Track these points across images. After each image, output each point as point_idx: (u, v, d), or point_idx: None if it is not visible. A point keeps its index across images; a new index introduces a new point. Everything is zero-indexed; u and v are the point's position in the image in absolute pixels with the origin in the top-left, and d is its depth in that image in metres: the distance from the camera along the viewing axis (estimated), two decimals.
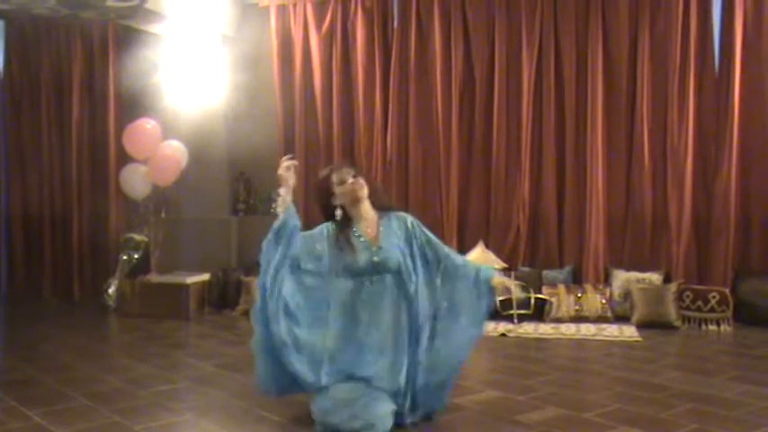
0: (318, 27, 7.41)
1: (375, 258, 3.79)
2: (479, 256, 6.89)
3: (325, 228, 3.92)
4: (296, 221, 3.83)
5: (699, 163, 6.53)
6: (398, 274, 3.80)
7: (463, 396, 4.27)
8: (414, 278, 3.80)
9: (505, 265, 6.81)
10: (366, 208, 3.91)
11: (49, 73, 8.05)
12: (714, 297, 6.18)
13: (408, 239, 3.89)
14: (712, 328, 6.14)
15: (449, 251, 3.96)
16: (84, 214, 8.04)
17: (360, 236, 3.85)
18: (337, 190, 3.86)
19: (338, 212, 3.87)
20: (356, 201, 3.87)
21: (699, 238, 6.57)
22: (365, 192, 3.88)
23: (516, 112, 6.91)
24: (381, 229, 3.88)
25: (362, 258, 3.79)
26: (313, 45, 7.39)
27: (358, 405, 3.58)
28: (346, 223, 3.88)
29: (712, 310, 6.17)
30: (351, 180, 3.85)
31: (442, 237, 6.97)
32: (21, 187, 8.16)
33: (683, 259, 6.51)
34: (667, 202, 6.58)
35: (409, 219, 3.96)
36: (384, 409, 3.58)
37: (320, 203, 3.97)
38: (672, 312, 6.18)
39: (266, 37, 7.61)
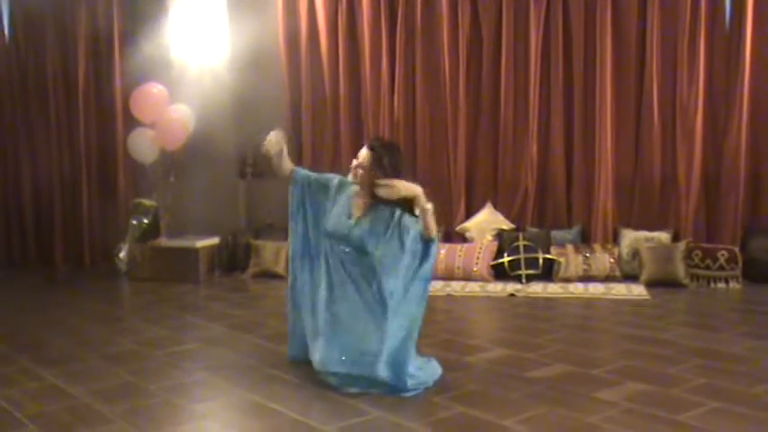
0: None
1: (345, 231, 3.85)
2: (487, 217, 6.90)
3: (341, 180, 4.06)
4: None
5: (708, 121, 6.48)
6: (364, 252, 3.80)
7: (472, 354, 4.31)
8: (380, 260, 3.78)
9: (513, 226, 6.83)
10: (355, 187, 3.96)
11: (53, 37, 8.02)
12: (723, 255, 6.18)
13: (390, 225, 3.79)
14: (721, 286, 6.14)
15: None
16: (93, 180, 8.06)
17: (348, 200, 3.95)
18: (354, 162, 3.94)
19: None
20: (359, 183, 3.92)
21: (708, 197, 6.54)
22: (351, 178, 3.94)
23: (524, 71, 6.85)
24: (371, 212, 3.85)
25: (338, 224, 3.90)
26: (318, 6, 7.31)
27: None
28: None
29: (721, 268, 6.17)
30: (354, 163, 3.91)
31: (449, 198, 7.03)
32: (29, 155, 8.17)
33: (692, 218, 6.49)
34: (676, 160, 6.54)
35: (409, 220, 3.76)
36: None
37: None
38: (680, 271, 6.18)
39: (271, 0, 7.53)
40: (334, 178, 4.13)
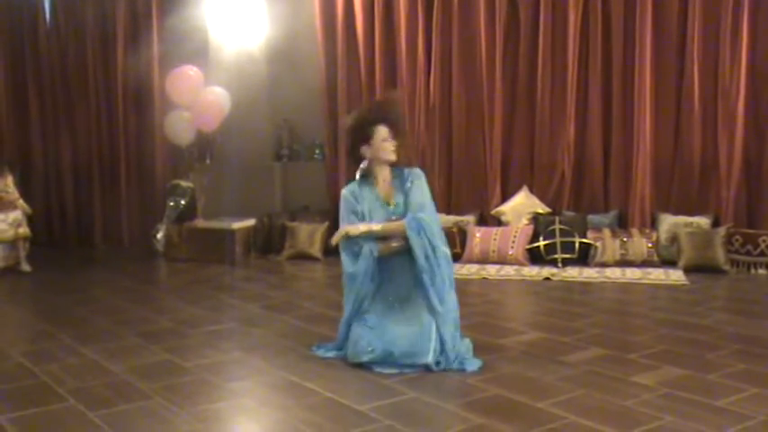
0: None
1: (393, 217, 3.87)
2: (523, 200, 6.85)
3: (351, 191, 3.98)
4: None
5: (751, 104, 6.31)
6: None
7: (507, 337, 4.30)
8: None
9: (549, 210, 6.76)
10: (388, 168, 3.96)
11: (93, 20, 8.12)
12: (764, 241, 6.06)
13: (406, 191, 3.93)
14: (762, 272, 6.04)
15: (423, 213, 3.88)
16: (132, 162, 8.18)
17: (377, 195, 3.93)
18: (373, 143, 3.90)
19: (363, 165, 3.96)
20: (384, 162, 3.93)
21: (749, 182, 6.39)
22: (394, 157, 3.92)
23: (562, 53, 6.76)
24: (393, 186, 3.95)
25: (379, 216, 3.88)
26: None
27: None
28: (366, 180, 3.97)
29: (762, 254, 6.06)
30: (388, 141, 3.89)
31: (485, 181, 7.00)
32: (70, 138, 8.31)
33: (733, 203, 6.36)
34: (717, 144, 6.40)
35: (413, 172, 3.97)
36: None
37: (351, 143, 4.00)
38: (720, 256, 6.08)
39: None
40: (349, 198, 3.98)
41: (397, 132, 3.93)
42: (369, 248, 3.84)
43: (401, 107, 4.11)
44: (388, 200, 3.93)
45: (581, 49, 6.70)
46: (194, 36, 7.52)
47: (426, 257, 3.77)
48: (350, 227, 3.88)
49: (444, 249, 3.85)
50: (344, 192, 4.02)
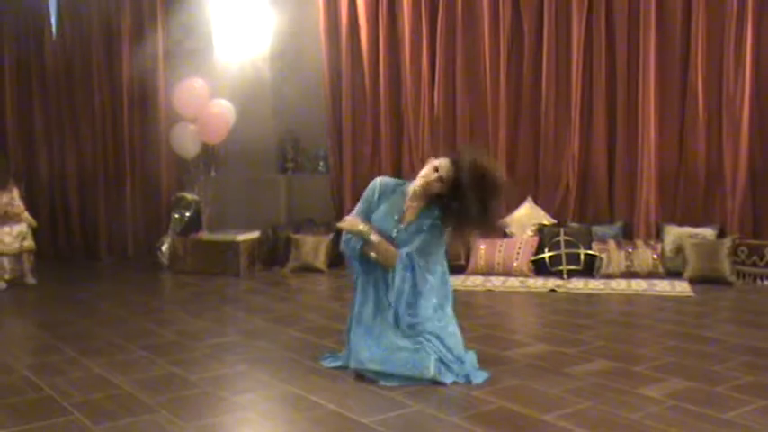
0: None
1: (394, 232, 3.83)
2: (528, 212, 6.84)
3: (384, 183, 3.98)
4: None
5: (755, 114, 6.29)
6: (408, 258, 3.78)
7: (512, 349, 4.28)
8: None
9: (554, 221, 6.75)
10: (425, 192, 3.83)
11: (99, 33, 8.16)
12: None
13: (426, 227, 3.82)
14: None
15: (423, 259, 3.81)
16: (137, 174, 8.20)
17: (398, 204, 3.88)
18: (423, 172, 3.80)
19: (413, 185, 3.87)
20: (425, 191, 3.81)
21: (755, 192, 6.36)
22: (434, 191, 3.79)
23: (566, 63, 6.76)
24: (420, 215, 3.84)
25: (385, 225, 3.84)
26: (359, 0, 7.31)
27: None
28: (405, 188, 3.91)
29: None
30: (434, 176, 3.75)
31: None
32: (75, 149, 8.33)
33: (739, 214, 6.33)
34: (722, 154, 6.38)
35: (440, 223, 3.83)
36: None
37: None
38: (726, 267, 6.05)
39: None
40: (374, 188, 3.97)
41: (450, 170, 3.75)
42: (354, 243, 3.85)
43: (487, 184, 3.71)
44: (403, 218, 3.86)
45: (585, 60, 6.71)
46: (199, 49, 7.55)
47: (400, 293, 3.74)
48: (351, 219, 3.87)
49: (432, 275, 3.81)
50: (378, 179, 4.00)
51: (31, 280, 6.71)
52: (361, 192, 4.13)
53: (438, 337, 3.72)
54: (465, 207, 3.67)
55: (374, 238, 3.79)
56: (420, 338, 3.71)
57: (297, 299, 6.09)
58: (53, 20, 8.32)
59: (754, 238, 6.24)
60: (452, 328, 3.82)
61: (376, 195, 3.95)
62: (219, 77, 7.52)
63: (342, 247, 3.97)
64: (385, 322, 3.77)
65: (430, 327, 3.74)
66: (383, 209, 3.90)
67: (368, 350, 3.73)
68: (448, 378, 3.66)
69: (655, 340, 4.50)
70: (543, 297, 5.83)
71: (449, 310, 3.87)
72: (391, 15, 7.27)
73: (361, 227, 3.82)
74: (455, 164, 3.75)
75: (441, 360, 3.67)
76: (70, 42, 8.29)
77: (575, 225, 6.70)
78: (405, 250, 3.77)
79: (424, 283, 3.77)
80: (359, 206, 3.98)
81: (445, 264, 3.92)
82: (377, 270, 3.83)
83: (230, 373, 3.96)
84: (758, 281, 6.05)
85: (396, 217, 3.87)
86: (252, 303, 5.89)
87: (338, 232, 4.05)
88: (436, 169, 3.77)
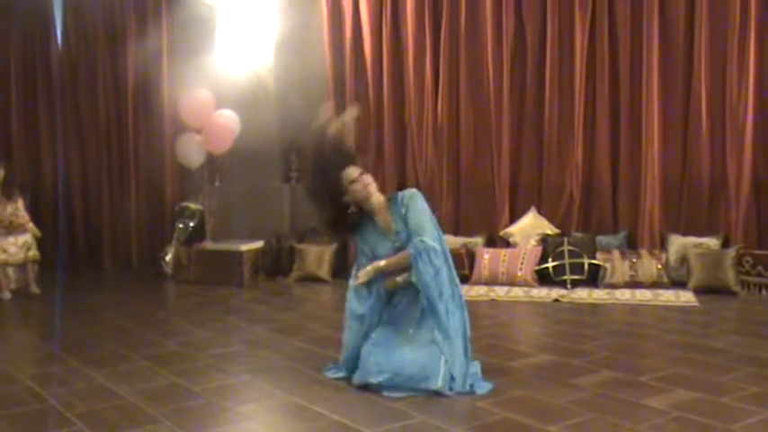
0: None
1: (397, 244, 3.84)
2: (531, 222, 6.83)
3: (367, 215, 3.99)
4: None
5: (759, 122, 6.29)
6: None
7: (516, 360, 4.27)
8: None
9: (558, 231, 6.74)
10: (376, 198, 3.91)
11: (104, 42, 8.19)
12: None
13: (403, 216, 3.87)
14: None
15: (423, 235, 3.79)
16: (141, 184, 8.21)
17: (378, 227, 3.91)
18: (350, 188, 3.84)
19: (353, 209, 3.89)
20: (368, 197, 3.88)
21: (759, 202, 6.35)
22: (374, 186, 3.88)
23: (569, 75, 6.77)
24: (391, 213, 3.90)
25: (384, 248, 3.86)
26: (363, 11, 7.34)
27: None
28: (366, 216, 3.93)
29: None
30: (357, 181, 3.83)
31: (493, 202, 6.98)
32: (80, 159, 8.36)
33: (743, 223, 6.32)
34: (726, 164, 6.38)
35: (406, 195, 3.89)
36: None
37: (329, 210, 3.91)
38: (731, 277, 6.04)
39: (316, 4, 7.58)
40: (357, 243, 4.08)
41: (359, 161, 3.88)
42: (375, 289, 3.87)
43: (331, 130, 3.92)
44: (389, 230, 3.89)
45: (588, 70, 6.71)
46: (205, 60, 7.57)
47: (436, 274, 3.72)
48: (362, 274, 3.89)
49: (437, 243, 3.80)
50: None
51: (35, 289, 6.72)
52: None
53: (450, 349, 3.70)
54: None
55: (381, 264, 3.84)
56: (430, 348, 3.69)
57: (300, 309, 6.08)
58: (58, 29, 8.36)
59: (759, 248, 6.22)
60: (463, 335, 3.81)
61: (362, 242, 3.98)
62: (224, 87, 7.54)
63: (363, 310, 3.90)
64: (396, 337, 3.77)
65: (449, 335, 3.73)
66: (373, 239, 3.93)
67: (377, 365, 3.72)
68: (454, 388, 3.64)
69: (659, 351, 4.49)
70: (547, 307, 5.81)
71: (463, 314, 3.84)
72: (395, 26, 7.29)
73: (369, 268, 3.86)
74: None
75: (448, 373, 3.65)
76: (75, 51, 8.33)
77: (578, 235, 6.70)
78: (410, 244, 3.78)
79: (437, 256, 3.73)
80: (357, 259, 4.03)
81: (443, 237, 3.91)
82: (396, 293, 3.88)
83: (233, 384, 3.96)
84: (763, 291, 6.03)
85: (384, 235, 3.90)
86: (255, 313, 5.89)
87: (343, 244, 4.06)
88: (353, 180, 3.85)
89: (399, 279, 3.83)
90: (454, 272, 3.88)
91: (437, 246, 3.78)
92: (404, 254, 3.80)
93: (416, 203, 3.87)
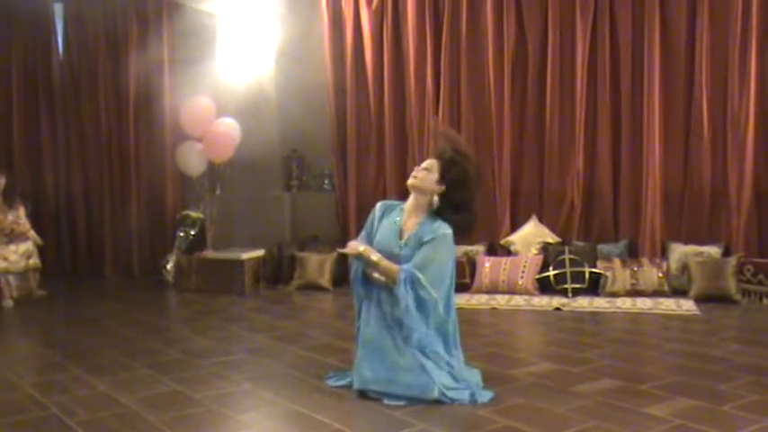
0: (369, 1, 7.37)
1: (395, 251, 3.80)
2: (532, 230, 6.84)
3: (384, 205, 4.02)
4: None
5: (760, 131, 6.31)
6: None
7: (517, 368, 4.27)
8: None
9: (559, 239, 6.75)
10: (420, 201, 3.86)
11: (105, 53, 8.22)
12: None
13: (420, 241, 3.79)
14: None
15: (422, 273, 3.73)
16: (142, 192, 8.22)
17: (397, 221, 3.88)
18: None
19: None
20: (414, 188, 3.87)
21: (760, 210, 6.37)
22: (416, 184, 3.84)
23: (570, 83, 6.79)
24: (418, 228, 3.82)
25: (385, 246, 3.82)
26: (364, 20, 7.37)
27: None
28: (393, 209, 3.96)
29: None
30: (416, 168, 3.86)
31: (494, 210, 6.98)
32: (81, 167, 8.37)
33: (744, 232, 6.33)
34: (727, 172, 6.40)
35: (442, 229, 3.79)
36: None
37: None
38: (732, 286, 6.04)
39: (317, 13, 7.61)
40: (374, 212, 4.01)
41: (443, 170, 3.80)
42: (357, 266, 3.86)
43: (468, 168, 3.86)
44: (403, 234, 3.85)
45: (589, 78, 6.74)
46: (206, 68, 7.60)
47: (406, 310, 3.68)
48: (352, 243, 3.89)
49: (435, 296, 3.73)
50: (380, 202, 4.06)
51: (40, 292, 6.80)
52: (365, 210, 4.16)
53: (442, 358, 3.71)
54: (462, 172, 3.80)
55: (374, 257, 3.78)
56: (425, 359, 3.69)
57: (301, 317, 6.08)
58: (60, 38, 8.39)
59: (760, 257, 6.24)
60: (454, 362, 3.79)
61: (376, 218, 3.96)
62: (225, 96, 7.56)
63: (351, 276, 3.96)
64: (388, 342, 3.76)
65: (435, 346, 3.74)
66: (385, 226, 3.91)
67: (372, 371, 3.72)
68: (452, 398, 3.64)
69: (660, 359, 4.49)
70: (548, 315, 5.82)
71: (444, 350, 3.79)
72: (396, 34, 7.32)
73: (361, 249, 3.81)
74: (438, 154, 3.88)
75: (443, 383, 3.65)
76: (76, 60, 8.35)
77: (579, 243, 6.71)
78: (406, 265, 3.76)
79: (427, 296, 3.72)
80: (362, 233, 4.01)
81: (452, 291, 3.85)
82: (382, 291, 3.81)
83: (235, 392, 3.96)
84: (764, 299, 6.04)
85: (397, 234, 3.86)
86: (256, 321, 5.89)
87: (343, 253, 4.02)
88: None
89: (378, 276, 3.77)
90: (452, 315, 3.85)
91: (432, 291, 3.70)
92: (396, 267, 3.74)
93: (441, 244, 3.77)
